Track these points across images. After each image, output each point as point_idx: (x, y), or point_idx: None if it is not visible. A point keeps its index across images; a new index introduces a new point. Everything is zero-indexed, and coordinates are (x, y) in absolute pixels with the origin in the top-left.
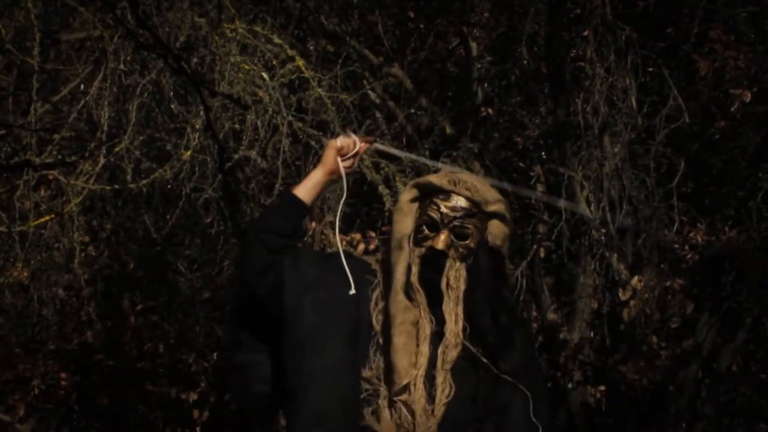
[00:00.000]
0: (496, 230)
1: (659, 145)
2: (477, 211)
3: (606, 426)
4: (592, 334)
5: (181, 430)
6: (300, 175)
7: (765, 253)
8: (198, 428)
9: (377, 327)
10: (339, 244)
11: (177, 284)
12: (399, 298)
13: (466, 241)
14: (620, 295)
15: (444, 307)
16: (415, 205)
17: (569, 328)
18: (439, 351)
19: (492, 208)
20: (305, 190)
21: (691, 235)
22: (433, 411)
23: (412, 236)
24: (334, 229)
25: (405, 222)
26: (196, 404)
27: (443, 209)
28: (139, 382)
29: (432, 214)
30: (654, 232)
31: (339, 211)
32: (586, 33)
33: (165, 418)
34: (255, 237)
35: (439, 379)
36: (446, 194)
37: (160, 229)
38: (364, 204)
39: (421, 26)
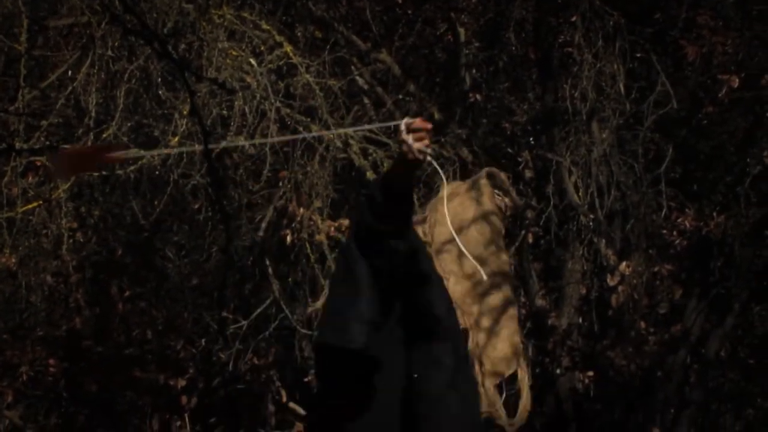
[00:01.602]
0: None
1: (647, 130)
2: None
3: (594, 411)
4: (580, 320)
5: (169, 416)
6: (288, 161)
7: (753, 239)
8: (186, 414)
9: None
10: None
11: (165, 270)
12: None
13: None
14: (608, 280)
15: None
16: None
17: (557, 313)
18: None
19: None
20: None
21: (680, 220)
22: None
23: None
24: (322, 215)
25: (491, 196)
26: (185, 390)
27: (507, 202)
28: (128, 368)
29: (500, 203)
30: (642, 217)
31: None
32: (574, 19)
33: (153, 404)
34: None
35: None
36: (506, 192)
37: (148, 216)
38: (352, 190)
39: (409, 12)
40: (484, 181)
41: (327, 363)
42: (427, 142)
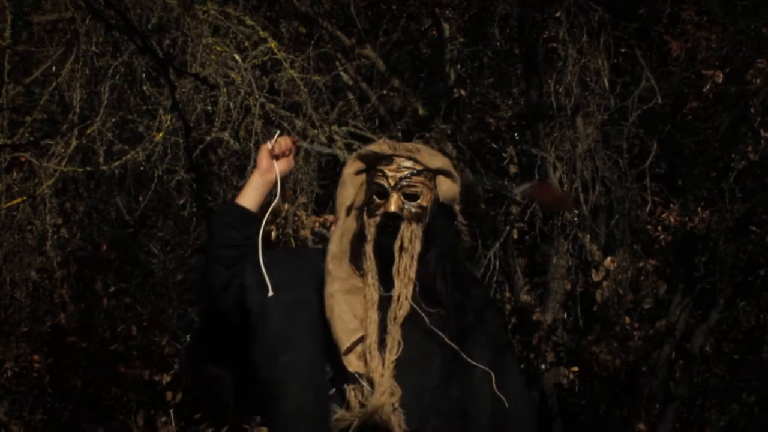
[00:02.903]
0: (445, 186)
1: (632, 126)
2: (422, 169)
3: (579, 407)
4: (565, 315)
5: (154, 412)
6: None
7: (737, 234)
8: (171, 410)
9: None
10: (260, 248)
11: (150, 266)
12: (328, 267)
13: (417, 201)
14: (593, 276)
15: (394, 268)
16: (360, 177)
17: (542, 309)
18: (389, 312)
19: (435, 164)
20: (247, 198)
21: (664, 215)
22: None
23: (365, 208)
24: (306, 211)
25: (346, 192)
26: (170, 386)
27: (388, 173)
28: (113, 364)
29: (379, 181)
30: (627, 213)
31: (266, 215)
32: (558, 14)
33: (138, 400)
34: (210, 255)
35: (389, 338)
36: (388, 159)
37: (133, 211)
38: (337, 185)
39: (394, 7)
40: (347, 168)
41: None
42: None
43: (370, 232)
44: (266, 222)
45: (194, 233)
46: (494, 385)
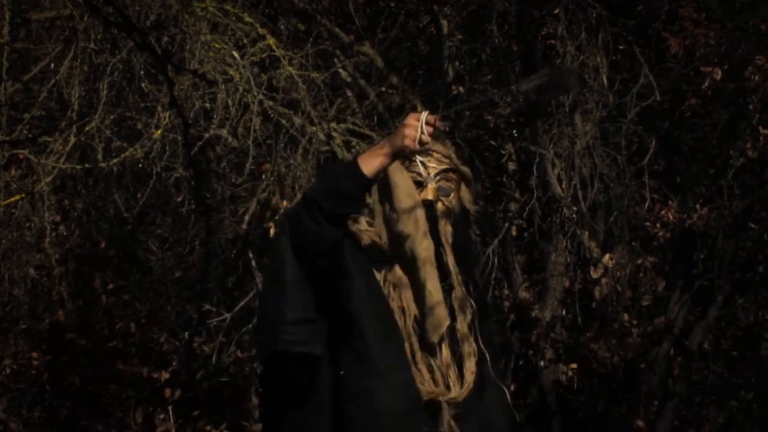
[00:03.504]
0: (466, 194)
1: (630, 123)
2: (456, 168)
3: (578, 404)
4: (563, 312)
5: (153, 409)
6: (271, 154)
7: (736, 231)
8: (170, 407)
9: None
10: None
11: (148, 263)
12: (426, 242)
13: (450, 197)
14: (592, 273)
15: (447, 260)
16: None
17: (541, 306)
18: (456, 307)
19: (464, 169)
20: (371, 164)
21: (663, 212)
22: (463, 374)
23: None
24: None
25: (403, 175)
26: (168, 383)
27: (428, 164)
28: (111, 361)
29: (417, 170)
30: (625, 209)
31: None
32: (556, 11)
33: (137, 397)
34: (326, 212)
35: (467, 343)
36: (425, 152)
37: (131, 209)
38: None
39: (392, 4)
40: None
41: (265, 367)
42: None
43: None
44: (265, 219)
45: (193, 230)
46: (508, 398)
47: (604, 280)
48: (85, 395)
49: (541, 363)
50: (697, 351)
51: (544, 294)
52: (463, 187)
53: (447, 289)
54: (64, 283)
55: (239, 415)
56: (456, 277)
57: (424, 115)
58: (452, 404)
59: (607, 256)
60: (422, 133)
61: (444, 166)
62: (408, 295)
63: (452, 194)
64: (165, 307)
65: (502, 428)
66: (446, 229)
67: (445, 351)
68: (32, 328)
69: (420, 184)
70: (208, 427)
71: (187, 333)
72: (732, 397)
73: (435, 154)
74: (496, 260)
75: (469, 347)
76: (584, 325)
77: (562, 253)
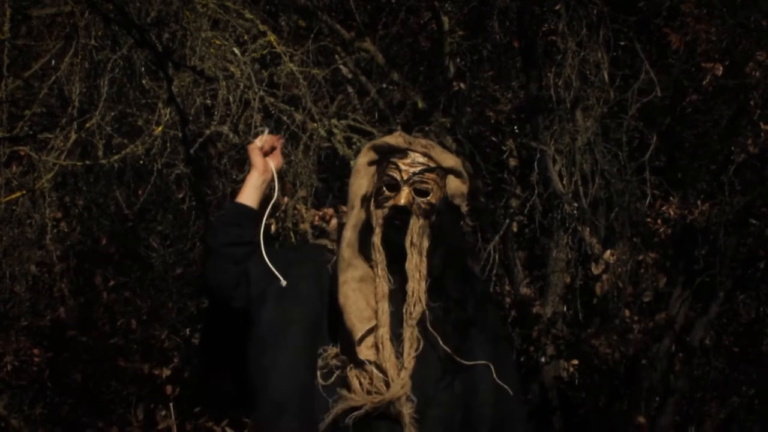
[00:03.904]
0: (454, 186)
1: (631, 119)
2: (435, 167)
3: (579, 400)
4: (564, 309)
5: (154, 406)
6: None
7: (737, 227)
8: (171, 404)
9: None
10: (261, 242)
11: (149, 260)
12: (344, 255)
13: (428, 197)
14: (593, 269)
15: (407, 264)
16: (373, 168)
17: (542, 302)
18: (404, 308)
19: (448, 163)
20: (247, 196)
21: (664, 208)
22: (403, 366)
23: (373, 199)
24: (306, 204)
25: (360, 182)
26: (169, 380)
27: (402, 167)
28: (112, 358)
29: (391, 173)
30: (626, 206)
31: (267, 210)
32: (557, 7)
33: (138, 394)
34: (218, 254)
35: (406, 334)
36: (403, 152)
37: (132, 205)
38: (337, 179)
39: (393, 1)
40: (360, 158)
41: None
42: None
43: (378, 223)
44: (266, 216)
45: (193, 227)
46: (495, 375)
47: (605, 276)
48: (86, 392)
49: (542, 359)
50: (699, 347)
51: (545, 290)
52: (451, 180)
53: (402, 290)
54: (65, 279)
55: (240, 412)
56: (415, 279)
57: (262, 139)
58: (399, 402)
59: (608, 252)
60: (267, 159)
61: (419, 168)
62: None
63: (431, 194)
64: (166, 304)
65: (480, 410)
66: (421, 230)
67: (387, 349)
68: (33, 325)
69: (394, 188)
70: (210, 424)
71: (188, 329)
72: (733, 393)
73: (412, 154)
74: (497, 256)
75: (410, 337)
76: (585, 322)
77: (563, 250)
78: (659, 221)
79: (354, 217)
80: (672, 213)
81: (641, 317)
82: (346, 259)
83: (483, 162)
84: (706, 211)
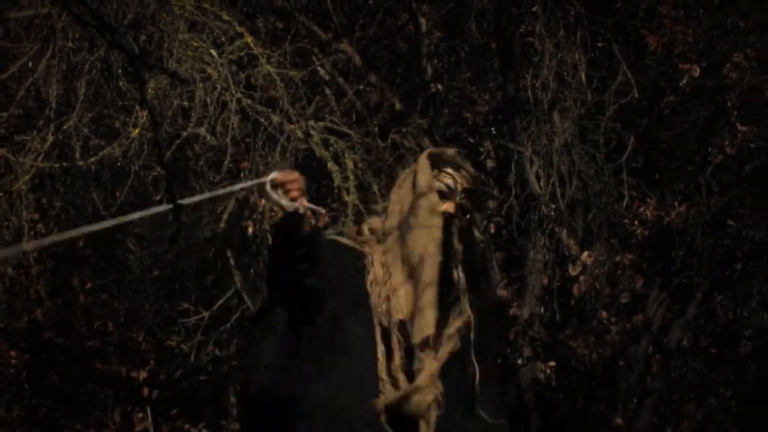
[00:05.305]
0: (476, 219)
1: (609, 120)
2: (477, 192)
3: (556, 401)
4: (542, 310)
5: (131, 408)
6: (249, 152)
7: (714, 228)
8: (148, 406)
9: (383, 299)
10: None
11: (126, 262)
12: (434, 248)
13: (467, 216)
14: (570, 270)
15: (455, 272)
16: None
17: (519, 303)
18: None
19: (481, 197)
20: None
21: (641, 210)
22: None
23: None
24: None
25: (428, 175)
26: (146, 382)
27: (458, 179)
28: (89, 360)
29: (447, 181)
30: (603, 207)
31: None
32: (535, 8)
33: (115, 396)
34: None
35: (444, 346)
36: (457, 167)
37: (109, 207)
38: (314, 180)
39: (370, 2)
40: (423, 161)
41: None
42: (295, 194)
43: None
44: (243, 217)
45: (170, 229)
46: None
47: (582, 278)
48: (63, 394)
49: (519, 361)
50: (676, 348)
51: (522, 291)
52: (476, 213)
53: (449, 299)
54: (42, 281)
55: (217, 413)
56: (464, 294)
57: (268, 184)
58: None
59: (585, 253)
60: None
61: (470, 186)
62: (401, 294)
63: (468, 215)
64: (143, 306)
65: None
66: (457, 244)
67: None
68: (10, 327)
69: (445, 195)
70: (187, 426)
71: (164, 332)
72: (711, 394)
73: (463, 172)
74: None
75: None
76: (563, 323)
77: (540, 251)
78: (636, 222)
79: (437, 214)
80: (649, 214)
81: (618, 318)
82: (437, 256)
83: None
84: (684, 213)
